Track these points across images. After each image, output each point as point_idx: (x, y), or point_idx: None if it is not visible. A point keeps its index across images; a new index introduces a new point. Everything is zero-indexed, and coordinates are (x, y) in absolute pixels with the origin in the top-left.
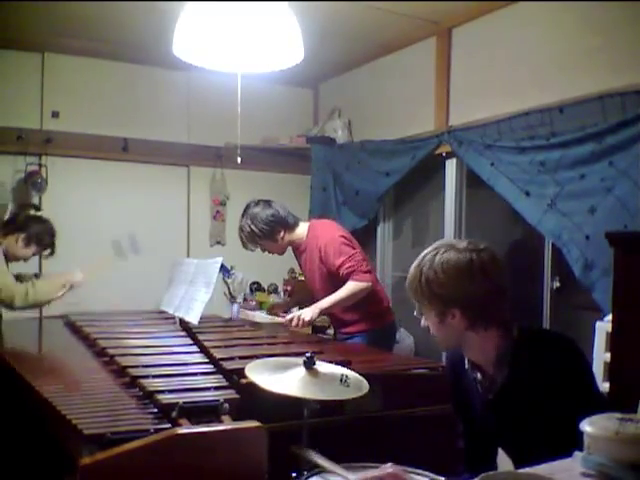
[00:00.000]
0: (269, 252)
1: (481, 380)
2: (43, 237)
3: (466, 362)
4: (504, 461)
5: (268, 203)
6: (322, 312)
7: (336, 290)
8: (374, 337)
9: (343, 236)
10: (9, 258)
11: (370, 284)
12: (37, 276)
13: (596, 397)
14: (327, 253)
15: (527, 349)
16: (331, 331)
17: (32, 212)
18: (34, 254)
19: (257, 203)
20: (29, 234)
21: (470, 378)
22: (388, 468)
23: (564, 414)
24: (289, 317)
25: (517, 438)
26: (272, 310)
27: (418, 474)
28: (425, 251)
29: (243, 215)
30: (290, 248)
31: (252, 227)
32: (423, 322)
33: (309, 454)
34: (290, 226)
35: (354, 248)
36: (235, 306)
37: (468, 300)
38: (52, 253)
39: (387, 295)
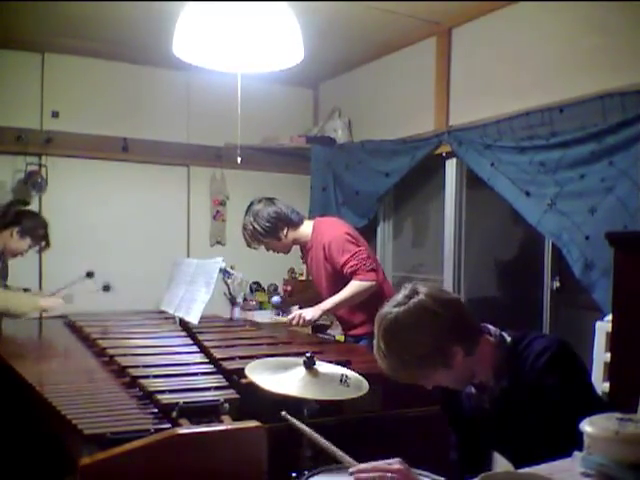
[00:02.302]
0: (274, 251)
1: (475, 394)
2: (36, 230)
3: None
4: (502, 464)
5: (271, 201)
6: (324, 312)
7: (342, 289)
8: None
9: (348, 233)
10: (6, 254)
11: (374, 283)
12: (25, 290)
13: (594, 398)
14: (331, 250)
15: (522, 355)
16: (332, 331)
17: (22, 207)
18: (30, 247)
19: (260, 201)
20: (22, 227)
21: (461, 392)
22: (395, 464)
23: (562, 418)
24: (290, 316)
25: (516, 443)
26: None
27: (418, 474)
28: (379, 334)
29: (246, 213)
30: (298, 247)
31: (255, 225)
32: (429, 385)
33: (297, 424)
34: (294, 224)
35: (359, 245)
36: (236, 309)
37: (453, 330)
38: (47, 245)
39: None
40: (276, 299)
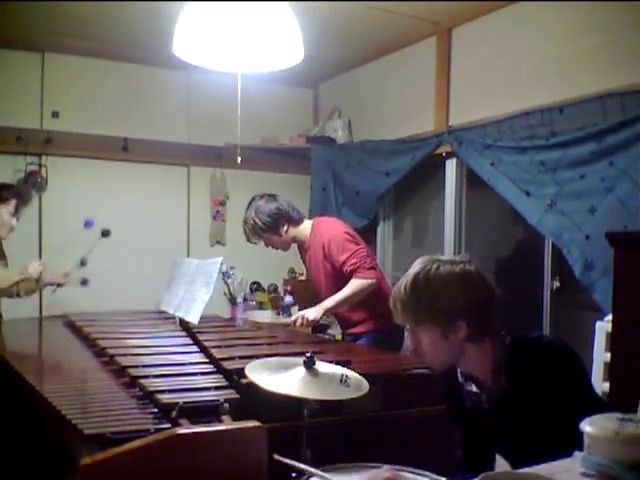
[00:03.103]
0: (273, 247)
1: (476, 392)
2: (7, 193)
3: (459, 375)
4: (502, 464)
5: (273, 197)
6: (326, 312)
7: (341, 288)
8: (381, 337)
9: (347, 232)
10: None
11: (374, 281)
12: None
13: (593, 399)
14: (331, 249)
15: (522, 356)
16: (332, 331)
17: None
18: (12, 214)
19: (262, 197)
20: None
21: (464, 390)
22: (384, 472)
23: (562, 418)
24: (293, 318)
25: (516, 444)
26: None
27: (418, 474)
28: (412, 271)
29: (247, 208)
30: (296, 246)
31: (255, 219)
32: (409, 343)
33: (292, 462)
34: (294, 221)
35: (358, 244)
36: (240, 320)
37: (473, 309)
38: (28, 200)
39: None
40: (289, 299)
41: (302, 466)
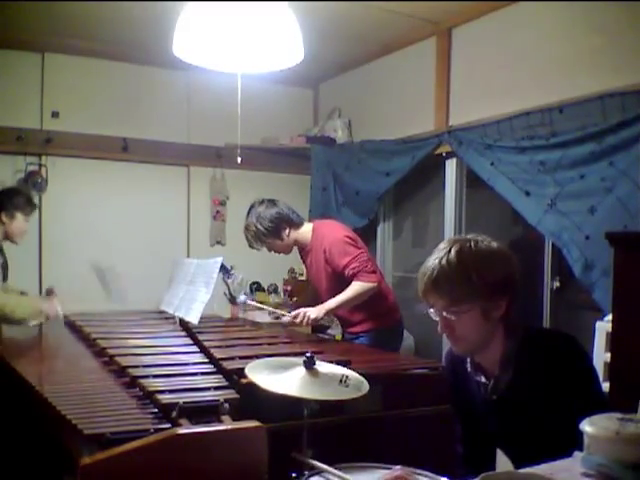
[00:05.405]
0: (275, 251)
1: (485, 383)
2: (18, 200)
3: (468, 365)
4: (503, 462)
5: (272, 202)
6: (328, 312)
7: (342, 290)
8: (381, 336)
9: (348, 236)
10: (11, 239)
11: (376, 284)
12: (23, 294)
13: (600, 397)
14: (332, 254)
15: (532, 349)
16: (331, 331)
17: None
18: (26, 220)
19: (262, 202)
20: (6, 207)
21: (472, 380)
22: (397, 470)
23: (567, 414)
24: (294, 312)
25: (519, 438)
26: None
27: (418, 474)
28: (451, 249)
29: (248, 214)
30: (297, 249)
31: (258, 226)
32: (440, 327)
33: (310, 460)
34: (295, 224)
35: (359, 248)
36: (242, 297)
37: (512, 287)
38: (34, 207)
39: (393, 292)
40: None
41: (320, 465)
